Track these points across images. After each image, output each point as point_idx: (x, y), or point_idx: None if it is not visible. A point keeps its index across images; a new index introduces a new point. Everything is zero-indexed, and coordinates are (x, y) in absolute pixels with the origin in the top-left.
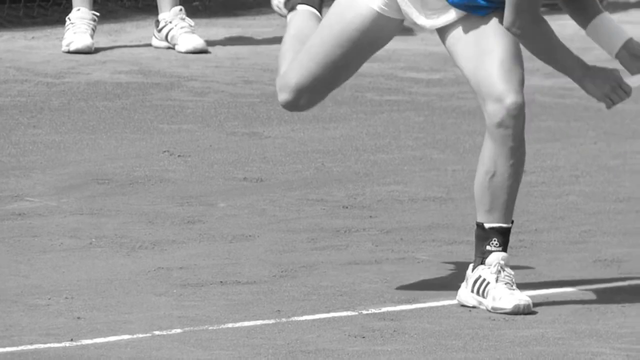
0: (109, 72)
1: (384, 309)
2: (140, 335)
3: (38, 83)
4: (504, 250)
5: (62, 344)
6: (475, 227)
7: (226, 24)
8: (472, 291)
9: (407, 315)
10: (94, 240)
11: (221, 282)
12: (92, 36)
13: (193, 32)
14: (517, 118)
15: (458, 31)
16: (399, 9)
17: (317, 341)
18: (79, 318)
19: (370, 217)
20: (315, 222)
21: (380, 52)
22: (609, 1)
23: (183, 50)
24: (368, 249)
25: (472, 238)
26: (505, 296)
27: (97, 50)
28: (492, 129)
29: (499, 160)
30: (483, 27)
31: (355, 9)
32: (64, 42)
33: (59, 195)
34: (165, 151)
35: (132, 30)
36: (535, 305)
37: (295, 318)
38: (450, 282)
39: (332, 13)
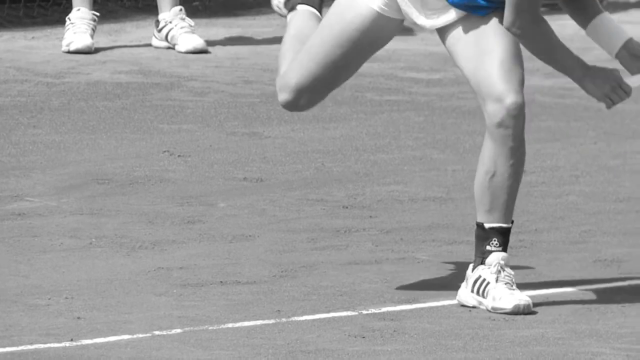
0: (109, 72)
1: (384, 309)
2: (140, 335)
3: (38, 83)
4: (504, 250)
5: (62, 344)
6: (475, 227)
7: (226, 24)
8: (472, 291)
9: (407, 315)
10: (94, 240)
11: (221, 282)
12: (92, 36)
13: (193, 32)
14: (517, 118)
15: (458, 31)
16: (399, 9)
17: (317, 341)
18: (79, 318)
19: (370, 217)
20: (315, 222)
21: (380, 52)
22: (609, 1)
23: (183, 50)
24: (368, 249)
25: (472, 238)
26: (505, 296)
27: (97, 50)
28: (492, 129)
29: (499, 160)
30: (483, 27)
31: (355, 9)
32: (64, 42)
33: (59, 195)
34: (165, 151)
35: (132, 30)
36: (535, 305)
37: (295, 318)
38: (450, 282)
39: (332, 13)
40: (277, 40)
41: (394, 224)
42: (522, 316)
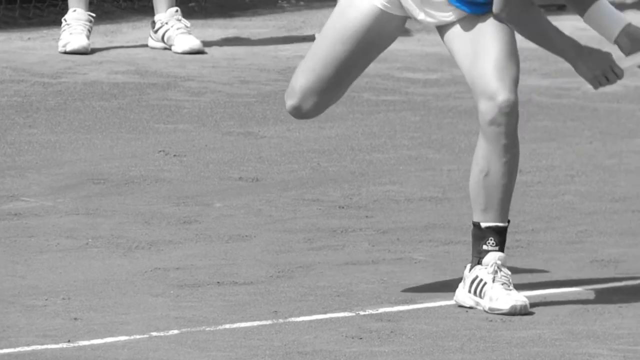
0: (106, 73)
1: (381, 310)
2: (138, 337)
3: (34, 83)
4: (501, 250)
5: (60, 345)
6: (472, 226)
7: (222, 24)
8: (470, 291)
9: (404, 316)
10: (90, 240)
11: (218, 282)
12: (88, 37)
13: (189, 33)
14: (509, 115)
15: (456, 28)
16: (400, 6)
17: (314, 342)
18: (76, 319)
19: (367, 217)
20: (311, 222)
21: None
22: None
23: (179, 51)
24: (364, 249)
25: (469, 238)
26: (502, 297)
27: (93, 51)
28: (484, 126)
29: (492, 158)
30: (480, 25)
31: (357, 7)
32: (60, 43)
33: (54, 195)
34: (160, 151)
35: (128, 31)
36: (532, 305)
37: (292, 319)
38: (447, 283)
39: (334, 14)
40: (273, 41)
41: (390, 224)
42: (519, 317)
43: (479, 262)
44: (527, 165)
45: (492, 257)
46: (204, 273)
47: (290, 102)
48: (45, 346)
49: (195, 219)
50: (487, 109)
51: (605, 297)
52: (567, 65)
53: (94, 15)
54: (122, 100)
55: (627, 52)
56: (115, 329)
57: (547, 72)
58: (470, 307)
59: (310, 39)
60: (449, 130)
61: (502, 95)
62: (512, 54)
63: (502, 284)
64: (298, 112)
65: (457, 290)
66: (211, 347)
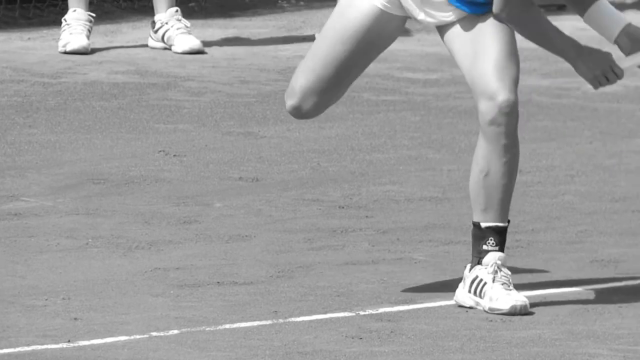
0: (106, 73)
1: (381, 310)
2: (138, 337)
3: (34, 83)
4: (501, 250)
5: (60, 345)
6: (472, 226)
7: (222, 24)
8: (470, 291)
9: (404, 316)
10: (90, 240)
11: (218, 282)
12: (88, 37)
13: (189, 33)
14: (509, 115)
15: (456, 28)
16: (400, 6)
17: (314, 342)
18: (76, 319)
19: (367, 217)
20: (311, 222)
21: None
22: None
23: (179, 51)
24: (364, 249)
25: (469, 238)
26: (502, 297)
27: (93, 51)
28: (484, 126)
29: (492, 158)
30: (480, 25)
31: (357, 7)
32: (60, 43)
33: (54, 195)
34: (160, 151)
35: (128, 31)
36: (532, 305)
37: (292, 319)
38: (447, 283)
39: (335, 13)
40: (273, 41)
41: (390, 224)
42: (519, 317)
43: (479, 262)
44: (527, 165)
45: (492, 257)
46: (204, 273)
47: (290, 102)
48: (45, 346)
49: (195, 219)
50: (487, 109)
51: (605, 297)
52: (567, 66)
53: (94, 15)
54: (122, 100)
55: (627, 52)
56: (115, 329)
57: (547, 72)
58: (470, 307)
59: (310, 39)
60: (449, 130)
61: (502, 95)
62: (512, 54)
63: (502, 284)
64: (298, 112)
65: (457, 290)
66: (211, 347)
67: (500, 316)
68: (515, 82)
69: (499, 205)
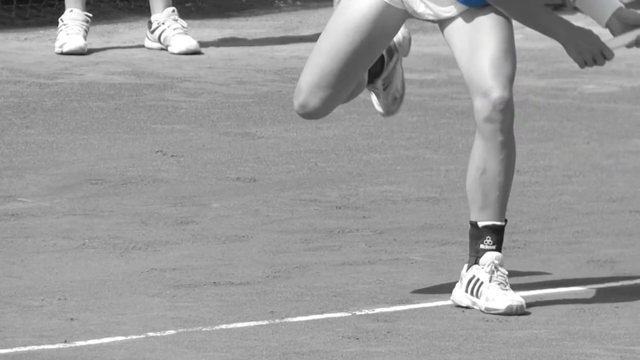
0: (102, 73)
1: (378, 310)
2: (134, 337)
3: (31, 84)
4: (498, 249)
5: (56, 346)
6: (469, 226)
7: (219, 25)
8: (467, 291)
9: (400, 316)
10: (87, 241)
11: (214, 283)
12: (85, 37)
13: (186, 33)
14: (503, 112)
15: (456, 23)
16: None
17: (310, 342)
18: (72, 319)
19: (364, 217)
20: (308, 222)
21: None
22: None
23: (176, 51)
24: (361, 250)
25: (466, 238)
26: (498, 297)
27: (90, 52)
28: (480, 124)
29: (489, 156)
30: (478, 21)
31: (361, 0)
32: (57, 44)
33: (52, 196)
34: (158, 151)
35: (125, 32)
36: (529, 305)
37: (289, 319)
38: (444, 283)
39: (339, 7)
40: (270, 41)
41: (387, 225)
42: (515, 317)
43: (476, 262)
44: (524, 165)
45: (490, 257)
46: (200, 273)
47: (297, 100)
48: (41, 346)
49: (192, 219)
50: (482, 106)
51: (602, 297)
52: (563, 66)
53: (90, 15)
54: (119, 100)
55: (617, 35)
56: (112, 329)
57: (543, 72)
58: (467, 307)
59: (307, 39)
60: (446, 131)
61: (496, 92)
62: (509, 51)
63: (499, 284)
64: (305, 110)
65: (454, 290)
66: (208, 348)
67: (497, 316)
68: (511, 79)
69: (496, 203)
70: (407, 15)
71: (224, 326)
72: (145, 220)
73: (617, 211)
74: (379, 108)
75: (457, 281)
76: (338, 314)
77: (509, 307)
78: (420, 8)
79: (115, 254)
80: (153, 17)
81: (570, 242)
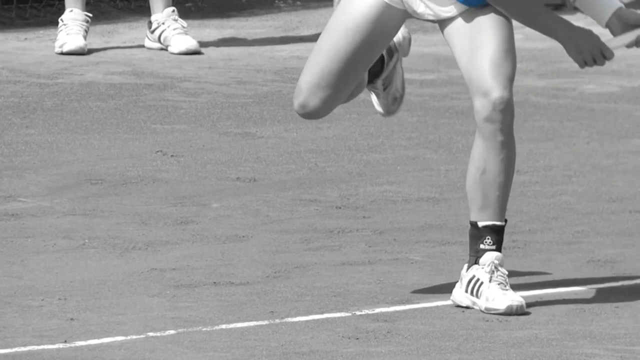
0: (102, 73)
1: (378, 310)
2: (134, 337)
3: (31, 84)
4: (498, 249)
5: (56, 346)
6: (469, 226)
7: (219, 25)
8: (467, 291)
9: (400, 316)
10: (87, 241)
11: (214, 283)
12: (85, 37)
13: (186, 33)
14: (503, 112)
15: (456, 23)
16: None
17: (310, 342)
18: (72, 319)
19: (364, 217)
20: (308, 222)
21: None
22: None
23: (176, 51)
24: (361, 250)
25: (466, 238)
26: (498, 297)
27: (90, 52)
28: (480, 124)
29: (489, 156)
30: (478, 21)
31: (360, 1)
32: (57, 44)
33: (52, 196)
34: (158, 151)
35: (125, 32)
36: (529, 305)
37: (289, 319)
38: (444, 283)
39: (339, 7)
40: (270, 41)
41: (387, 225)
42: (515, 317)
43: (476, 262)
44: (524, 165)
45: (490, 257)
46: (200, 273)
47: (297, 100)
48: (41, 346)
49: (193, 219)
50: (481, 106)
51: (602, 297)
52: (563, 66)
53: (90, 15)
54: (119, 100)
55: (617, 35)
56: (112, 329)
57: (543, 72)
58: (467, 307)
59: (307, 39)
60: (446, 131)
61: (496, 92)
62: (509, 51)
63: (499, 284)
64: (305, 110)
65: (454, 290)
66: (208, 348)
67: (497, 316)
68: (510, 79)
69: (496, 203)
70: (407, 15)
71: (224, 326)
72: (145, 220)
73: (617, 211)
74: (379, 108)
75: (457, 281)
76: (338, 314)
77: (509, 307)
78: (420, 8)
79: (115, 254)
80: (153, 17)
81: (570, 242)
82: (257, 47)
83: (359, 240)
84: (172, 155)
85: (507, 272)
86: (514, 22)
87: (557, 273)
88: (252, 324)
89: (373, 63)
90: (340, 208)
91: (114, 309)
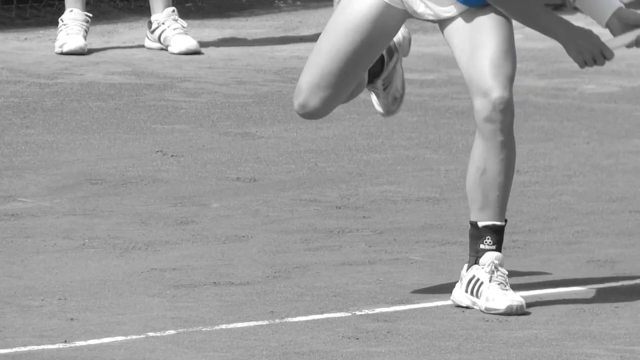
0: (102, 73)
1: (378, 310)
2: (134, 337)
3: (31, 84)
4: (498, 249)
5: (56, 346)
6: (469, 226)
7: (219, 25)
8: (467, 291)
9: (400, 316)
10: (87, 241)
11: (214, 283)
12: (85, 37)
13: (186, 33)
14: (503, 112)
15: (456, 23)
16: None
17: (310, 342)
18: (72, 319)
19: (364, 217)
20: (308, 222)
21: None
22: None
23: (176, 51)
24: (361, 250)
25: (466, 238)
26: (498, 297)
27: (90, 52)
28: (480, 124)
29: (489, 155)
30: (478, 21)
31: (360, 1)
32: (57, 44)
33: (52, 196)
34: (158, 151)
35: (125, 32)
36: (529, 305)
37: (289, 319)
38: (444, 283)
39: (339, 7)
40: (270, 41)
41: (387, 225)
42: (515, 317)
43: (476, 262)
44: (524, 165)
45: (490, 257)
46: (200, 273)
47: (297, 100)
48: (41, 346)
49: (192, 219)
50: (482, 106)
51: (602, 297)
52: (563, 66)
53: (90, 15)
54: (119, 100)
55: (617, 35)
56: (112, 329)
57: (543, 72)
58: (467, 307)
59: (307, 39)
60: (446, 131)
61: (496, 92)
62: (509, 51)
63: (499, 284)
64: (305, 110)
65: (454, 290)
66: (208, 348)
67: (497, 316)
68: (510, 79)
69: (496, 203)
70: (407, 15)
71: (224, 326)
72: (145, 220)
73: (617, 211)
74: (379, 108)
75: (457, 281)
76: (338, 314)
77: (509, 307)
78: (420, 8)
79: (115, 254)
80: (153, 17)
81: (570, 242)
82: (257, 47)
83: (359, 240)
84: (172, 155)
85: (507, 272)
86: (514, 22)
87: (557, 273)
88: (252, 324)
89: (373, 63)
90: (340, 208)
91: (114, 309)
